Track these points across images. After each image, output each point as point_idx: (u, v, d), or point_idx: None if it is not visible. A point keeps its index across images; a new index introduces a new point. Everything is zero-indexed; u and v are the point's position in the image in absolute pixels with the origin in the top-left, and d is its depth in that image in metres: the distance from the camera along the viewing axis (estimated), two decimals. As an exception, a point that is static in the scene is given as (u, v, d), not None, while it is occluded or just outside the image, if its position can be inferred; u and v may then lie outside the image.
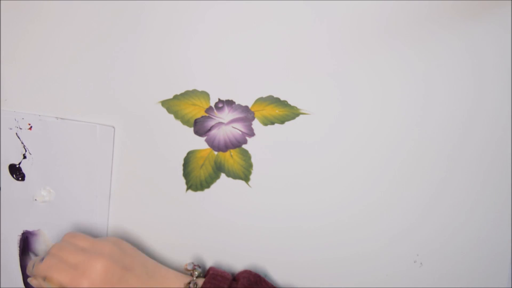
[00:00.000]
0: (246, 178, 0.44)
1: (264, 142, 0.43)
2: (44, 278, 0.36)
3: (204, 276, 0.42)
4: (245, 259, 0.46)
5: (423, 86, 0.42)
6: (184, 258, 0.46)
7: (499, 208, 0.44)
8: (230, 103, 0.42)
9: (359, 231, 0.45)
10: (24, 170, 0.44)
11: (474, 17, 0.40)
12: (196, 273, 0.40)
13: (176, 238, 0.45)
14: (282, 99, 0.42)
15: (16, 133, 0.43)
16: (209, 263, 0.46)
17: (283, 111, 0.42)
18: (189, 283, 0.39)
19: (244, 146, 0.43)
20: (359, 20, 0.40)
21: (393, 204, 0.44)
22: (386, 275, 0.46)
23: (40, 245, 0.45)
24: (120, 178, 0.44)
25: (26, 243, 0.44)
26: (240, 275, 0.41)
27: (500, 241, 0.45)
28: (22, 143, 0.43)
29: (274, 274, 0.45)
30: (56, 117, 0.42)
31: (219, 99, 0.42)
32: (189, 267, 0.41)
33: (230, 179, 0.44)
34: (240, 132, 0.43)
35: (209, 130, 0.43)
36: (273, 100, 0.42)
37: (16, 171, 0.44)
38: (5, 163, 0.44)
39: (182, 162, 0.44)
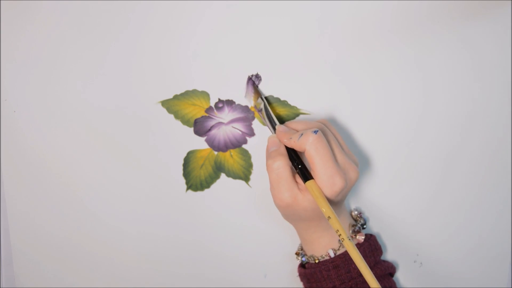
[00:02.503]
0: (246, 178, 0.44)
1: (264, 142, 0.42)
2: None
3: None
4: (245, 259, 0.46)
5: (423, 86, 0.42)
6: (184, 258, 0.46)
7: (499, 208, 0.44)
8: (230, 103, 0.42)
9: (359, 231, 0.45)
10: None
11: (474, 17, 0.40)
12: (361, 221, 0.41)
13: (176, 238, 0.45)
14: (282, 99, 0.42)
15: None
16: (209, 262, 0.46)
17: (283, 111, 0.42)
18: (354, 225, 0.40)
19: (244, 146, 0.43)
20: (360, 21, 0.40)
21: (393, 204, 0.44)
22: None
23: None
24: (119, 177, 0.44)
25: None
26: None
27: (500, 241, 0.45)
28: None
29: (274, 274, 0.45)
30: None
31: (219, 99, 0.42)
32: (354, 213, 0.42)
33: (230, 179, 0.44)
34: (240, 132, 0.43)
35: (209, 130, 0.43)
36: (273, 100, 0.42)
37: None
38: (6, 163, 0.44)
39: (182, 162, 0.44)
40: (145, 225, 0.45)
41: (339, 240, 0.38)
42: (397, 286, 0.45)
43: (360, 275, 0.37)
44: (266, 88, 0.42)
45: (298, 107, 0.42)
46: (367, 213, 0.45)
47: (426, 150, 0.43)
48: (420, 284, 0.46)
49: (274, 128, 0.38)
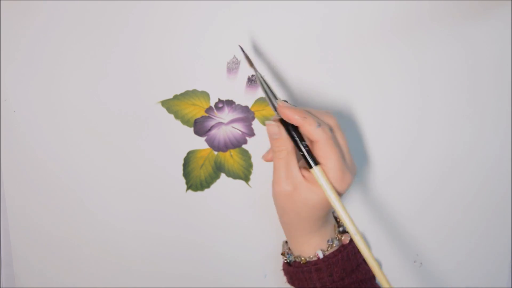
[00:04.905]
0: (246, 178, 0.44)
1: (264, 142, 0.43)
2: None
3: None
4: (245, 259, 0.46)
5: (423, 86, 0.42)
6: (184, 258, 0.46)
7: (499, 208, 0.44)
8: (230, 103, 0.42)
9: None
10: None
11: (474, 17, 0.40)
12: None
13: (176, 237, 0.45)
14: (282, 99, 0.42)
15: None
16: (209, 262, 0.46)
17: (283, 111, 0.42)
18: (339, 226, 0.39)
19: (244, 146, 0.43)
20: (360, 21, 0.40)
21: (393, 204, 0.44)
22: (386, 275, 0.45)
23: None
24: (119, 177, 0.44)
25: None
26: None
27: (500, 241, 0.45)
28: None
29: (274, 274, 0.45)
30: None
31: (219, 99, 0.42)
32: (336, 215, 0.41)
33: (230, 179, 0.44)
34: (240, 132, 0.43)
35: (209, 130, 0.43)
36: (273, 100, 0.42)
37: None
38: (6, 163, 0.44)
39: (182, 162, 0.44)
40: (145, 225, 0.45)
41: (328, 241, 0.38)
42: (397, 286, 0.45)
43: (343, 278, 0.37)
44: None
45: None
46: (367, 213, 0.45)
47: (426, 150, 0.43)
48: (420, 284, 0.46)
49: (273, 103, 0.35)
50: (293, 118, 0.33)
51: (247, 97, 0.42)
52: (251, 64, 0.37)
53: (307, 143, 0.34)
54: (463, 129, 0.43)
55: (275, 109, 0.34)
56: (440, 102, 0.42)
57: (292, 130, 0.34)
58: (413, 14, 0.40)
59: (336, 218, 0.42)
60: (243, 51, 0.38)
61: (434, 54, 0.41)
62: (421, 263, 0.45)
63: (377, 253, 0.45)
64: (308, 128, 0.32)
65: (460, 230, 0.45)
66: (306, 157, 0.33)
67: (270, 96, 0.35)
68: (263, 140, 0.43)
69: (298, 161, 0.35)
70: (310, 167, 0.33)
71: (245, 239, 0.45)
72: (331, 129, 0.33)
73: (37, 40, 0.41)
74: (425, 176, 0.44)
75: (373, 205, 0.44)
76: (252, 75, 0.41)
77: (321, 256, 0.37)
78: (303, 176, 0.34)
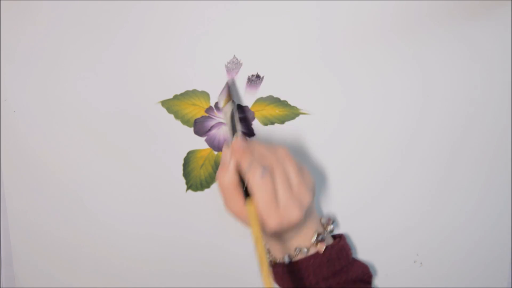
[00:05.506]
0: (246, 178, 0.44)
1: (264, 142, 0.42)
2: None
3: (334, 238, 0.41)
4: (245, 258, 0.46)
5: (423, 86, 0.42)
6: (184, 258, 0.46)
7: (499, 208, 0.44)
8: (230, 103, 0.42)
9: (359, 231, 0.45)
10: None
11: (474, 17, 0.40)
12: (329, 228, 0.41)
13: (176, 238, 0.45)
14: (282, 99, 0.42)
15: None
16: (209, 262, 0.46)
17: (283, 111, 0.42)
18: (319, 234, 0.39)
19: (244, 146, 0.43)
20: (360, 21, 0.40)
21: (393, 204, 0.44)
22: (386, 275, 0.46)
23: None
24: (119, 178, 0.44)
25: None
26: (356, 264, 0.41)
27: (500, 241, 0.45)
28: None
29: (274, 274, 0.45)
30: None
31: (219, 99, 0.42)
32: (323, 221, 0.41)
33: (230, 179, 0.44)
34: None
35: (209, 130, 0.43)
36: (273, 100, 0.42)
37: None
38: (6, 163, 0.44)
39: (182, 162, 0.44)
40: (145, 225, 0.45)
41: (295, 249, 0.38)
42: (397, 286, 0.45)
43: (317, 282, 0.37)
44: (266, 88, 0.42)
45: (298, 107, 0.42)
46: (367, 213, 0.45)
47: (426, 150, 0.43)
48: (420, 284, 0.46)
49: (232, 135, 0.38)
50: (234, 157, 0.35)
51: (247, 97, 0.42)
52: (232, 100, 0.40)
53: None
54: (463, 129, 0.43)
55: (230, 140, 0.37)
56: (440, 102, 0.42)
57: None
58: (413, 14, 0.40)
59: (323, 225, 0.41)
60: (229, 89, 0.40)
61: (434, 54, 0.41)
62: (421, 263, 0.45)
63: (377, 253, 0.45)
64: (241, 170, 0.35)
65: (460, 230, 0.45)
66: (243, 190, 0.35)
67: (230, 129, 0.38)
68: (263, 140, 0.43)
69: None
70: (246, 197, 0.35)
71: (245, 239, 0.45)
72: (263, 170, 0.34)
73: (37, 40, 0.41)
74: (425, 175, 0.44)
75: (373, 205, 0.44)
76: (253, 75, 0.41)
77: (287, 261, 0.38)
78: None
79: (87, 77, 0.42)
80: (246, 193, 0.35)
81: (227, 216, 0.45)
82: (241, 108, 0.42)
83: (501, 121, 0.43)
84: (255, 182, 0.34)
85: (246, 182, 0.35)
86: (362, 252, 0.45)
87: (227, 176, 0.35)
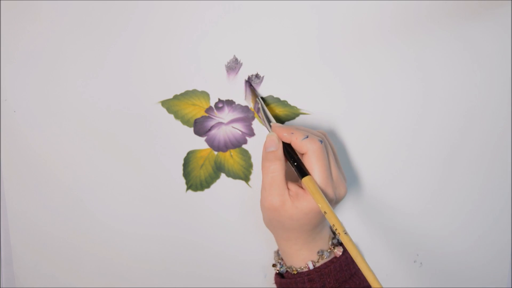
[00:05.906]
0: (246, 178, 0.44)
1: (263, 142, 0.42)
2: None
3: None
4: (245, 259, 0.46)
5: (423, 86, 0.42)
6: (184, 258, 0.46)
7: (499, 208, 0.44)
8: (230, 103, 0.42)
9: (359, 231, 0.45)
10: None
11: (474, 17, 0.40)
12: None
13: (176, 238, 0.45)
14: (282, 99, 0.42)
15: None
16: (209, 262, 0.46)
17: (283, 111, 0.42)
18: (333, 238, 0.39)
19: (244, 146, 0.43)
20: (360, 21, 0.40)
21: (393, 204, 0.44)
22: (386, 275, 0.46)
23: None
24: (119, 178, 0.44)
25: None
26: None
27: (500, 241, 0.45)
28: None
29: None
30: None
31: (219, 99, 0.42)
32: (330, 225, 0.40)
33: (230, 179, 0.44)
34: (240, 132, 0.43)
35: (209, 130, 0.43)
36: (273, 100, 0.42)
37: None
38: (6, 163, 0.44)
39: (182, 162, 0.44)
40: (145, 225, 0.45)
41: (318, 252, 0.38)
42: (397, 286, 0.45)
43: None
44: (266, 88, 0.42)
45: (298, 107, 0.42)
46: (367, 214, 0.45)
47: (426, 150, 0.43)
48: (420, 284, 0.46)
49: (269, 125, 0.38)
50: (282, 135, 0.35)
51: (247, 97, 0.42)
52: (257, 97, 0.40)
53: (300, 157, 0.35)
54: (463, 129, 0.43)
55: (269, 130, 0.37)
56: (440, 102, 0.42)
57: (285, 146, 0.36)
58: (413, 14, 0.40)
59: (330, 228, 0.41)
60: (250, 85, 0.40)
61: (434, 54, 0.41)
62: (421, 263, 0.45)
63: (377, 253, 0.45)
64: (295, 141, 0.34)
65: (460, 230, 0.45)
66: (295, 169, 0.35)
67: (265, 121, 0.38)
68: (263, 140, 0.43)
69: (286, 178, 0.36)
70: (301, 177, 0.34)
71: (245, 239, 0.45)
72: (321, 140, 0.34)
73: (37, 40, 0.41)
74: (425, 176, 0.44)
75: (373, 205, 0.44)
76: (252, 75, 0.41)
77: (311, 267, 0.38)
78: (289, 190, 0.35)
79: (87, 77, 0.42)
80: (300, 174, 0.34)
81: (227, 216, 0.45)
82: (240, 108, 0.42)
83: (501, 121, 0.43)
84: (316, 148, 0.33)
85: (303, 153, 0.34)
86: (362, 252, 0.45)
87: (274, 163, 0.35)
